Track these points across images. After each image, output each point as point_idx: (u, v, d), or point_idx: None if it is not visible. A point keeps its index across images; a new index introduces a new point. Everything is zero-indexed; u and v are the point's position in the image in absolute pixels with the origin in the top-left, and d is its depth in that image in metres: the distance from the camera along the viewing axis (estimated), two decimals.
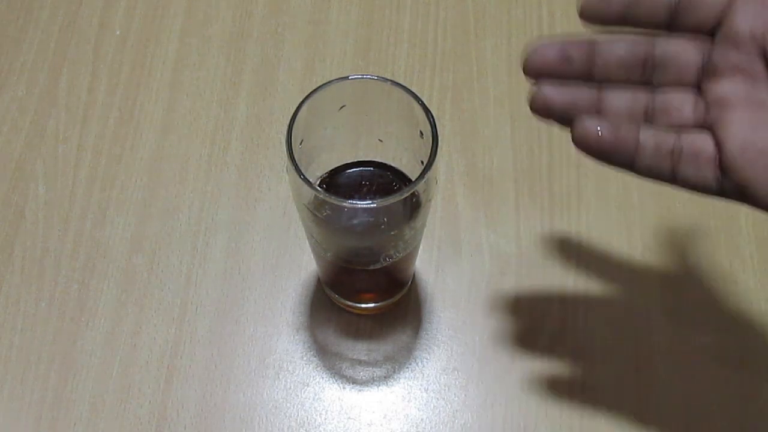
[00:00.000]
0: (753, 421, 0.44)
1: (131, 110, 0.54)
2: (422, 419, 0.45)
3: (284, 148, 0.34)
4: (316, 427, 0.44)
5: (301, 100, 0.35)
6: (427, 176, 0.34)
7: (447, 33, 0.56)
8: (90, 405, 0.45)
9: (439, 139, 0.34)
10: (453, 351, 0.46)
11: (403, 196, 0.33)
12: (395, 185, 0.41)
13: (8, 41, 0.56)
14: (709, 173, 0.29)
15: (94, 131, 0.53)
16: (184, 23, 0.57)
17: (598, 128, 0.30)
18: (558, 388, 0.45)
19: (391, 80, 0.36)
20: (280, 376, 0.46)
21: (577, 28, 0.61)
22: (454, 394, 0.45)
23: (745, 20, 0.29)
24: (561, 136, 0.53)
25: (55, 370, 0.46)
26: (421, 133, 0.36)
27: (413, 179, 0.35)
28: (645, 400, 0.45)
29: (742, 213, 0.50)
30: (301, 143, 0.36)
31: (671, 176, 0.30)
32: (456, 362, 0.46)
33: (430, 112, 0.35)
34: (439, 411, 0.45)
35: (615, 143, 0.30)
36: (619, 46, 0.31)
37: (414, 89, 0.35)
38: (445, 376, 0.46)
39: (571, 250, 0.49)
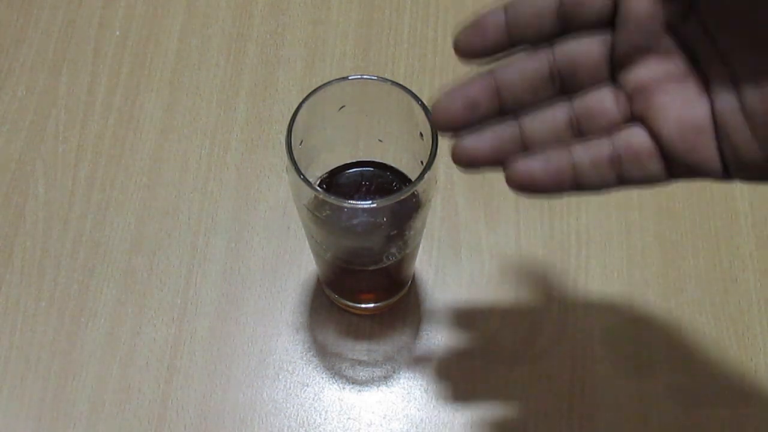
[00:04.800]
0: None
1: (131, 110, 0.54)
2: (422, 419, 0.45)
3: (284, 148, 0.34)
4: (315, 428, 0.44)
5: (301, 100, 0.35)
6: (426, 176, 0.34)
7: (447, 33, 0.56)
8: (90, 405, 0.45)
9: (439, 139, 0.34)
10: (453, 351, 0.46)
11: (403, 196, 0.33)
12: (395, 185, 0.41)
13: (8, 41, 0.56)
14: (654, 167, 0.28)
15: (94, 131, 0.53)
16: (184, 23, 0.57)
17: (530, 166, 0.28)
18: (558, 388, 0.45)
19: (390, 80, 0.36)
20: (280, 377, 0.46)
21: None
22: (454, 394, 0.45)
23: (639, 2, 0.27)
24: None
25: (55, 370, 0.46)
26: (421, 134, 0.36)
27: (413, 179, 0.35)
28: (645, 399, 0.45)
29: (742, 213, 0.50)
30: (301, 143, 0.36)
31: (619, 182, 0.28)
32: (456, 362, 0.46)
33: (430, 112, 0.35)
34: (439, 411, 0.45)
35: (552, 176, 0.28)
36: (520, 68, 0.28)
37: (414, 89, 0.35)
38: (445, 377, 0.46)
39: (571, 251, 0.49)
